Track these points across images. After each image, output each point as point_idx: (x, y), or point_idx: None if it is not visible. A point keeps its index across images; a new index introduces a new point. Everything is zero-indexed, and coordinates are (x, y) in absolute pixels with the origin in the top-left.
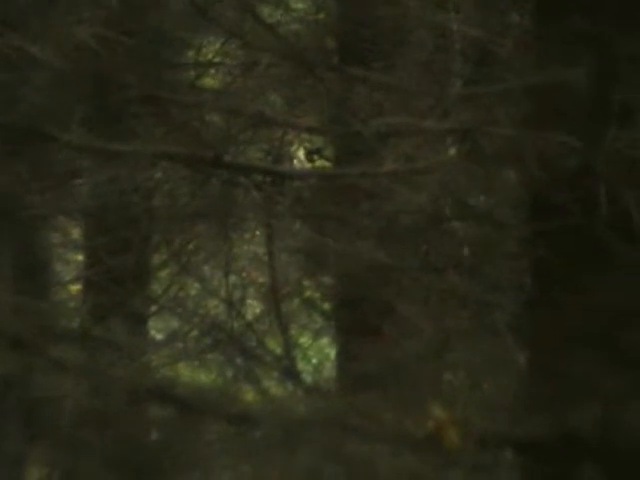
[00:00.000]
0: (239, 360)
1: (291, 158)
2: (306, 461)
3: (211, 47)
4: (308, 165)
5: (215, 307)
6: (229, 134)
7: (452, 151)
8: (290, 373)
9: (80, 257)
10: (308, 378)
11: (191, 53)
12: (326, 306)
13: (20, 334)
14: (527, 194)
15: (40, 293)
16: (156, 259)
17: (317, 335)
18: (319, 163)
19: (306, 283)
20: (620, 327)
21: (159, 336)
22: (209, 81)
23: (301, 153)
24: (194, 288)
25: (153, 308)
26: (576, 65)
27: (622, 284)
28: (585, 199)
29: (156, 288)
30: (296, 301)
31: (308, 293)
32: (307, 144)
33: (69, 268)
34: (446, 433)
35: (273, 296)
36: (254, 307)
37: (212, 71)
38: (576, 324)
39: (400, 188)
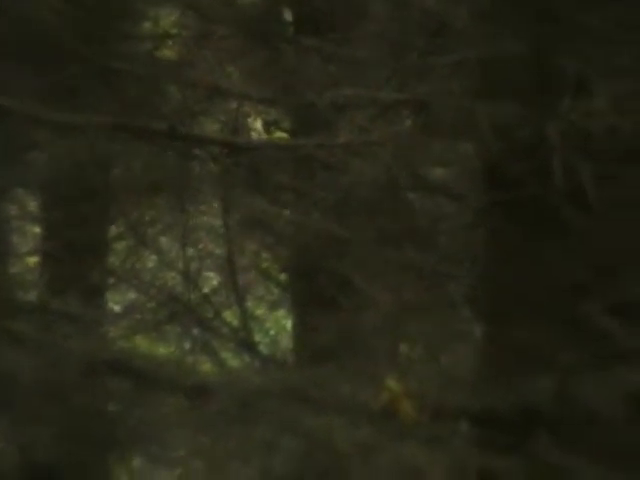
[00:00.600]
0: (196, 332)
1: (248, 130)
2: (263, 433)
3: (167, 19)
4: (265, 137)
5: (172, 279)
6: (185, 106)
7: (407, 123)
8: (247, 345)
9: (37, 229)
10: (265, 350)
11: (147, 24)
12: (282, 278)
13: None
14: (482, 165)
15: None
16: (113, 231)
17: (274, 307)
18: (276, 135)
19: (263, 255)
20: (575, 298)
21: (116, 308)
22: (165, 53)
23: (258, 125)
24: (151, 260)
25: (110, 280)
26: (530, 36)
27: (577, 255)
28: (540, 170)
29: (113, 260)
30: (253, 273)
31: (265, 265)
32: (264, 116)
33: (26, 240)
34: (401, 405)
35: (229, 268)
36: (211, 279)
37: (168, 43)
38: (532, 296)
39: (355, 160)
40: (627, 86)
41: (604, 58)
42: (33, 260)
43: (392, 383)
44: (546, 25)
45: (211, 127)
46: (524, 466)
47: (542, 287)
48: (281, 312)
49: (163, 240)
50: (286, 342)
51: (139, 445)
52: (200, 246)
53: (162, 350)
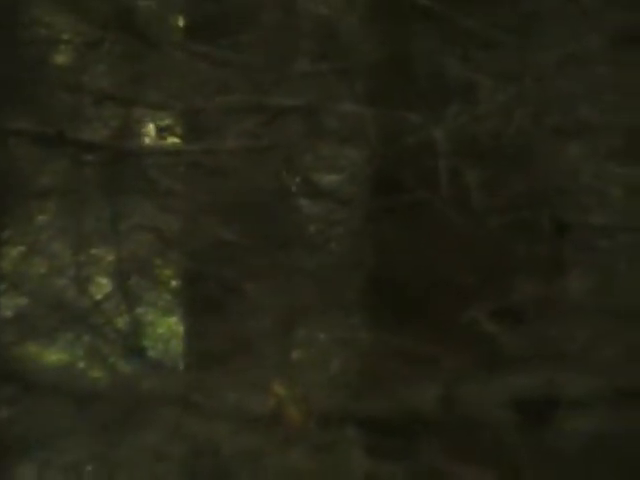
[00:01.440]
0: (87, 338)
1: (140, 135)
2: (151, 439)
3: (59, 24)
4: (158, 142)
5: (63, 285)
6: (75, 111)
7: (296, 128)
8: (136, 350)
9: None
10: (156, 356)
11: (41, 30)
12: (174, 283)
13: None
14: (370, 171)
15: None
16: (4, 236)
17: (165, 312)
18: (169, 140)
19: (154, 261)
20: (462, 303)
21: (7, 314)
22: (57, 58)
23: (151, 130)
24: (42, 266)
25: (1, 286)
26: (418, 41)
27: (463, 260)
28: (427, 176)
29: (4, 265)
30: (144, 279)
31: (156, 271)
32: (157, 121)
33: None
34: (288, 411)
35: (120, 273)
36: (102, 285)
37: (61, 47)
38: (418, 301)
39: (245, 165)
40: (513, 90)
41: (490, 62)
42: None
43: (279, 388)
44: (431, 28)
45: (101, 132)
46: (410, 471)
47: (429, 292)
48: (173, 318)
49: (54, 246)
50: (177, 348)
51: (28, 452)
52: (92, 252)
53: (52, 357)
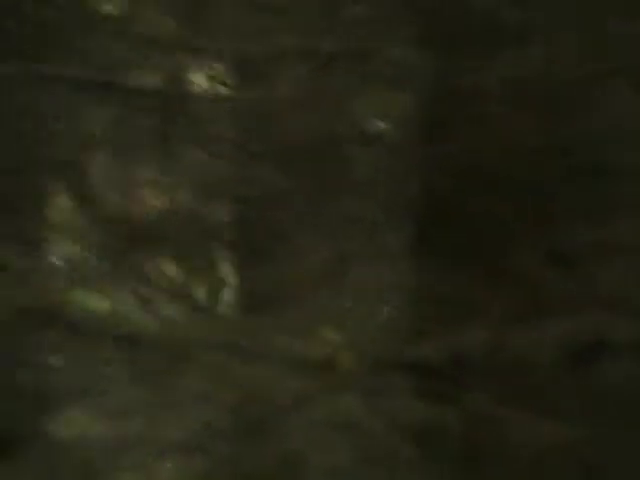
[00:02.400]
0: (135, 285)
1: (191, 82)
2: (199, 385)
3: None
4: (209, 89)
5: (110, 232)
6: (125, 58)
7: (347, 73)
8: (186, 296)
9: None
10: (203, 301)
11: None
12: (224, 230)
13: None
14: (421, 116)
15: None
16: (54, 185)
17: (214, 259)
18: (220, 87)
19: (204, 208)
20: (512, 249)
21: (57, 262)
22: (107, 5)
23: (202, 77)
24: (90, 214)
25: (50, 233)
26: None
27: (514, 204)
28: (478, 121)
29: (54, 215)
30: (194, 225)
31: (205, 217)
32: (208, 68)
33: None
34: (338, 356)
35: (170, 219)
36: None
37: None
38: (466, 246)
39: (295, 111)
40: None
41: (542, 8)
42: None
43: (330, 334)
44: None
45: (151, 79)
46: (459, 415)
47: (479, 237)
48: (222, 264)
49: (104, 193)
50: (226, 294)
51: (75, 396)
52: (140, 200)
53: (99, 303)
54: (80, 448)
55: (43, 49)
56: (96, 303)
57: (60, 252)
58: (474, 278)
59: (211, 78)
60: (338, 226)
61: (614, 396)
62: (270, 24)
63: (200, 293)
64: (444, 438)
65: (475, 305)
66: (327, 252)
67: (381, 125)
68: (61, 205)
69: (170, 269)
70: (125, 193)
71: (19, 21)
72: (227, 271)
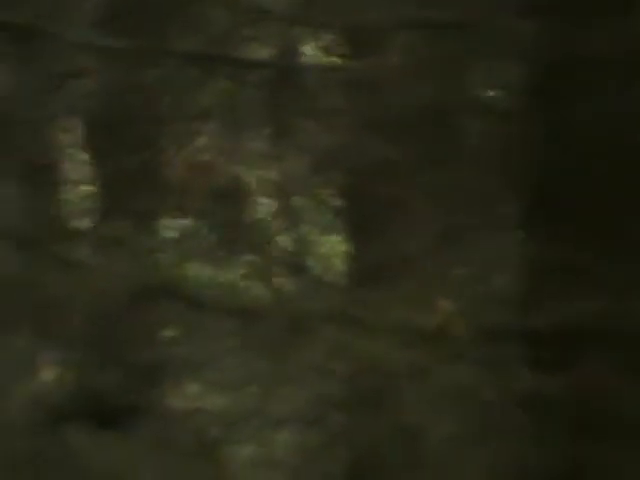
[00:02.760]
0: (249, 257)
1: (301, 53)
2: (315, 356)
3: None
4: (319, 60)
5: (226, 205)
6: (235, 30)
7: (457, 43)
8: (300, 269)
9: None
10: (318, 273)
11: None
12: (335, 202)
13: (28, 233)
14: (531, 85)
15: (48, 193)
16: (165, 157)
17: (327, 231)
18: (330, 58)
19: (315, 179)
20: (626, 218)
21: (171, 234)
22: None
23: (312, 48)
24: (202, 186)
25: (164, 207)
26: None
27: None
28: (590, 89)
29: (166, 187)
30: (306, 198)
31: (318, 189)
32: (318, 39)
33: (79, 169)
34: (452, 326)
35: (282, 193)
36: (263, 205)
37: None
38: (583, 215)
39: (406, 81)
40: None
41: None
42: (86, 188)
43: (444, 304)
44: None
45: (262, 51)
46: (573, 386)
47: (593, 206)
48: (334, 236)
49: (216, 166)
50: (339, 266)
51: (192, 369)
52: (253, 171)
53: (215, 276)
54: (195, 420)
55: (155, 23)
56: (210, 276)
57: (174, 225)
58: (589, 247)
59: (322, 49)
60: (451, 196)
61: None
62: None
63: (313, 264)
64: (556, 407)
65: (589, 275)
66: (440, 222)
67: (493, 94)
68: (173, 178)
69: (283, 240)
70: (236, 164)
71: None
72: (339, 242)
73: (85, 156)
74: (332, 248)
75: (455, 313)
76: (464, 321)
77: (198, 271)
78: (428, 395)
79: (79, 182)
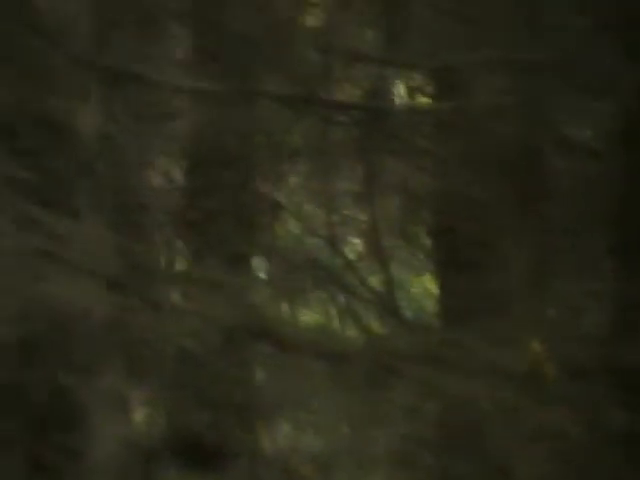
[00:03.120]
0: (340, 298)
1: (390, 95)
2: (406, 397)
3: None
4: (409, 101)
5: (316, 245)
6: (326, 71)
7: (548, 82)
8: (391, 310)
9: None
10: (409, 314)
11: None
12: (426, 242)
13: (120, 275)
14: (623, 125)
15: (140, 234)
16: (256, 199)
17: (418, 271)
18: (420, 99)
19: (406, 220)
20: None
21: (261, 275)
22: (306, 19)
23: (402, 89)
24: (295, 227)
25: (255, 247)
26: None
27: None
28: None
29: (259, 229)
30: (396, 238)
31: (408, 229)
32: (407, 80)
33: (172, 210)
34: (542, 366)
35: (373, 233)
36: (355, 245)
37: (309, 9)
38: None
39: (496, 121)
40: None
41: None
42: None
43: (533, 344)
44: None
45: (352, 92)
46: None
47: None
48: (425, 276)
49: (306, 206)
50: (430, 306)
51: (284, 411)
52: (344, 212)
53: (306, 317)
54: (286, 461)
55: (247, 65)
56: (303, 317)
57: (266, 267)
58: None
59: (411, 89)
60: (540, 235)
61: None
62: (470, 34)
63: (404, 304)
64: None
65: None
66: (530, 261)
67: (582, 134)
68: (266, 220)
69: (374, 280)
70: (326, 205)
71: (224, 39)
72: (430, 282)
73: (178, 197)
74: (423, 288)
75: (545, 353)
76: (554, 360)
77: (289, 311)
78: (518, 435)
79: (172, 223)
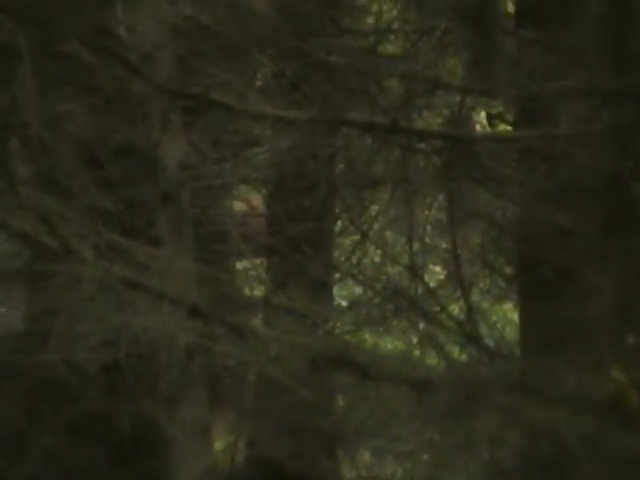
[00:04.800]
0: (422, 326)
1: (471, 123)
2: (488, 426)
3: (389, 13)
4: (489, 129)
5: (397, 273)
6: (407, 99)
7: (632, 111)
8: (472, 338)
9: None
10: (491, 343)
11: (370, 19)
12: (508, 270)
13: (201, 303)
14: None
15: (221, 262)
16: (338, 226)
17: (499, 299)
18: (500, 127)
19: (487, 248)
20: None
21: (342, 303)
22: (387, 47)
23: (483, 117)
24: (376, 255)
25: (336, 275)
26: None
27: None
28: None
29: (339, 255)
30: (478, 266)
31: (490, 257)
32: (487, 109)
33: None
34: (627, 395)
35: (454, 261)
36: (436, 273)
37: (390, 37)
38: None
39: (579, 150)
40: None
41: None
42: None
43: (618, 373)
44: None
45: (433, 120)
46: None
47: None
48: (507, 305)
49: (388, 234)
50: (512, 335)
51: (367, 439)
52: (425, 240)
53: (388, 345)
54: None
55: (330, 93)
56: (384, 344)
57: (346, 293)
58: None
59: (492, 118)
60: (625, 264)
61: None
62: (551, 62)
63: (486, 333)
64: None
65: None
66: (613, 289)
67: None
68: (345, 246)
69: (455, 308)
70: (408, 233)
71: (306, 67)
72: (512, 311)
73: (260, 225)
74: (505, 316)
75: (628, 382)
76: (637, 390)
77: (370, 339)
78: (601, 465)
79: (253, 251)
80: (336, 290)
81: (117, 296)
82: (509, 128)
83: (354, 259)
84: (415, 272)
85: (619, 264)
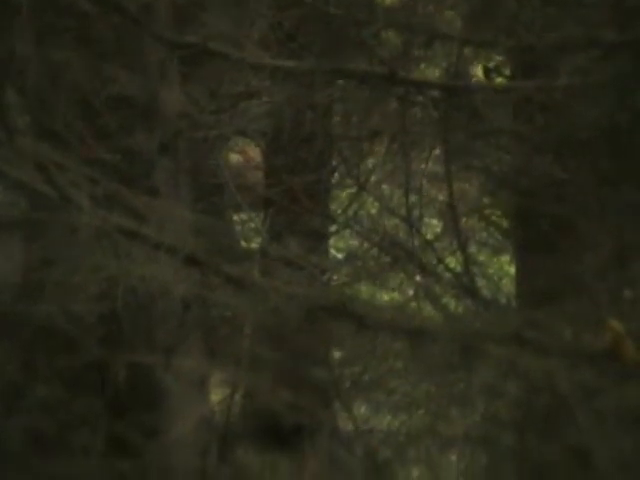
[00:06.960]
0: (418, 278)
1: (469, 75)
2: (484, 378)
3: None
4: (488, 80)
5: (394, 226)
6: (405, 51)
7: (629, 63)
8: (469, 290)
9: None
10: (487, 295)
11: None
12: (505, 222)
13: (198, 253)
14: None
15: (219, 213)
16: (334, 178)
17: (496, 252)
18: (499, 78)
19: (484, 200)
20: None
21: (339, 255)
22: None
23: (479, 70)
24: (373, 207)
25: (332, 227)
26: None
27: None
28: None
29: (335, 207)
30: (475, 218)
31: (486, 210)
32: (484, 61)
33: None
34: (624, 346)
35: (451, 214)
36: (433, 225)
37: None
38: None
39: (577, 101)
40: None
41: None
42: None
43: (614, 324)
44: None
45: (431, 72)
46: None
47: None
48: (504, 257)
49: (385, 186)
50: (508, 287)
51: (363, 391)
52: (422, 192)
53: (385, 296)
54: (365, 441)
55: (327, 44)
56: (380, 296)
57: (343, 246)
58: None
59: (490, 69)
60: (621, 216)
61: None
62: (550, 15)
63: (483, 285)
64: None
65: None
66: (610, 242)
67: None
68: (342, 198)
69: (453, 261)
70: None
71: (306, 18)
72: (509, 263)
73: (257, 176)
74: (501, 269)
75: (625, 333)
76: (635, 341)
77: (367, 291)
78: (597, 416)
79: (250, 202)
80: (333, 242)
81: (114, 245)
82: (506, 79)
83: (351, 211)
84: (412, 224)
85: (616, 216)
